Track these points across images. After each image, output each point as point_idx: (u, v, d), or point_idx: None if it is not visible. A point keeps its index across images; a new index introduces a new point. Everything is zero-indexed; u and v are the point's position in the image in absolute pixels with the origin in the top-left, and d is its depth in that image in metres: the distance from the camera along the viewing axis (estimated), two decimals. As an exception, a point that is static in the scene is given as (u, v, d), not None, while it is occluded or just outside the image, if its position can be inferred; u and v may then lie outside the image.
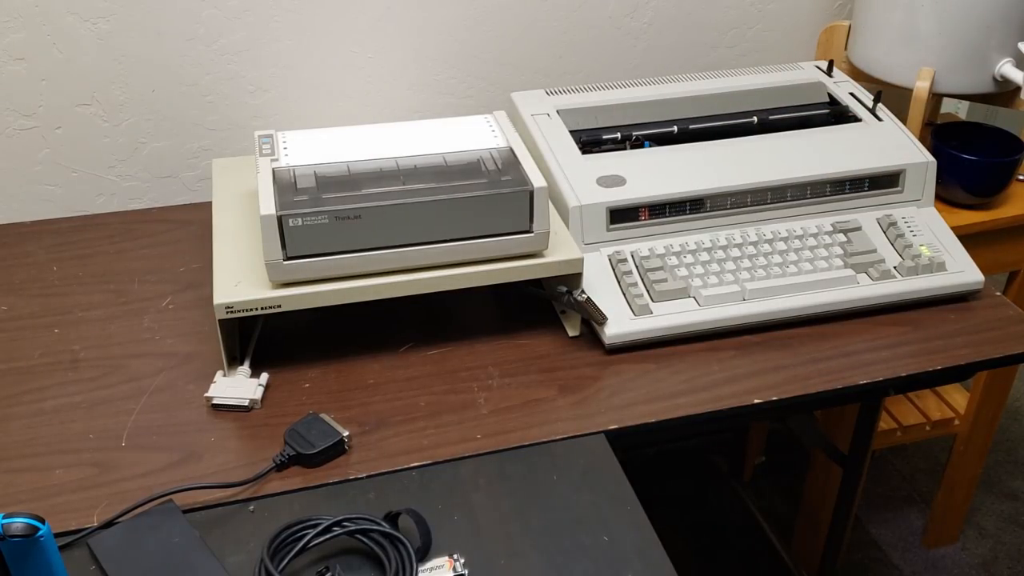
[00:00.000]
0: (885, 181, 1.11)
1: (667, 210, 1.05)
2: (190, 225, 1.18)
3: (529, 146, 1.05)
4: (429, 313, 1.04)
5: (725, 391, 0.93)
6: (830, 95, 1.22)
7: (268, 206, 0.89)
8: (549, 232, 0.96)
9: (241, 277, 0.93)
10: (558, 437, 0.88)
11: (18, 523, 0.62)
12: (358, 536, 0.76)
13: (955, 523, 1.70)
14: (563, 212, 1.04)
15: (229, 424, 0.90)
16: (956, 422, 1.55)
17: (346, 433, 0.86)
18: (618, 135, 1.16)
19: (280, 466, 0.84)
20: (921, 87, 1.24)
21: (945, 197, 1.25)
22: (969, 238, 1.20)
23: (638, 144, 1.16)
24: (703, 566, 1.63)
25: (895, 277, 1.04)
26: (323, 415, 0.88)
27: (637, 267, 1.02)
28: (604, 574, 0.76)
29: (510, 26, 1.29)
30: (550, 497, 0.83)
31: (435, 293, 0.94)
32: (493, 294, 1.06)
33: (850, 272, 1.03)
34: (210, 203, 1.07)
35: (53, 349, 0.99)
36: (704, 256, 1.03)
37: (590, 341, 1.00)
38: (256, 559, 0.74)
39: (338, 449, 0.86)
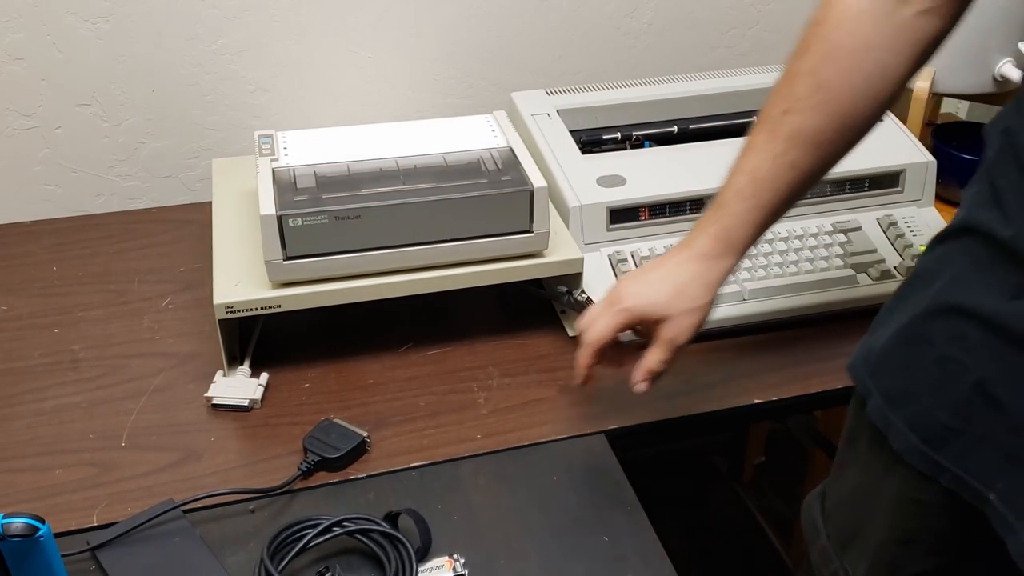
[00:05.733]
0: (885, 181, 1.11)
1: (667, 210, 1.05)
2: (190, 225, 1.18)
3: (529, 146, 1.05)
4: (429, 313, 1.04)
5: (725, 391, 0.93)
6: (830, 95, 1.22)
7: (268, 206, 0.89)
8: (549, 232, 0.96)
9: (241, 277, 0.93)
10: (558, 437, 0.88)
11: (18, 523, 0.62)
12: (358, 536, 0.76)
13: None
14: (563, 212, 1.04)
15: (229, 424, 0.90)
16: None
17: (365, 433, 0.86)
18: (618, 135, 1.16)
19: (306, 473, 0.83)
20: (921, 87, 1.24)
21: (945, 197, 1.25)
22: (969, 238, 1.20)
23: (638, 144, 1.16)
24: (703, 566, 1.63)
25: (895, 277, 1.04)
26: (336, 419, 0.88)
27: (637, 267, 1.02)
28: (604, 574, 0.76)
29: (510, 26, 1.29)
30: (550, 497, 0.83)
31: (435, 293, 0.94)
32: (493, 294, 1.06)
33: (850, 272, 1.03)
34: (210, 203, 1.07)
35: (53, 349, 0.99)
36: (704, 256, 1.03)
37: (590, 341, 1.00)
38: (256, 559, 0.74)
39: (360, 450, 0.86)
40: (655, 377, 0.81)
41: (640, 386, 0.81)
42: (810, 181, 0.78)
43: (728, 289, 1.00)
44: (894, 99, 0.76)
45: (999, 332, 0.61)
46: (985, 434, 0.63)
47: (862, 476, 0.75)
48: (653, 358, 0.80)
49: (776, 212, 0.78)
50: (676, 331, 0.79)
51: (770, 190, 0.77)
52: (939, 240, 0.70)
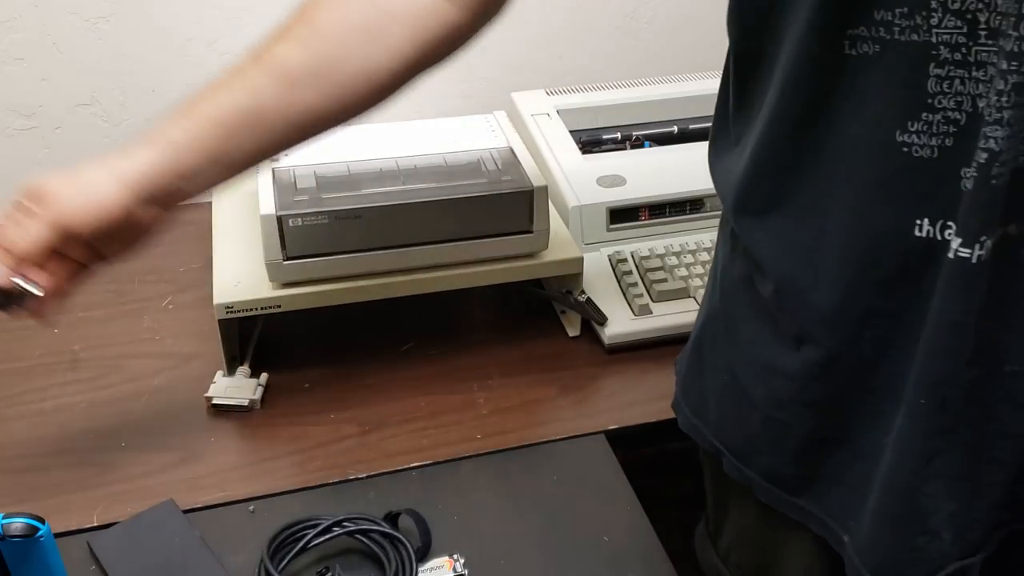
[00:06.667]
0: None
1: (667, 210, 1.05)
2: (190, 225, 1.18)
3: (529, 146, 1.05)
4: (429, 313, 1.04)
5: (725, 391, 0.93)
6: (830, 95, 1.22)
7: (268, 206, 0.89)
8: (549, 232, 0.96)
9: (241, 277, 0.93)
10: (558, 437, 0.88)
11: (18, 523, 0.62)
12: (358, 536, 0.76)
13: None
14: (563, 212, 1.04)
15: (229, 424, 0.90)
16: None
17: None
18: (618, 135, 1.16)
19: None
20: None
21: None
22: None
23: (638, 144, 1.16)
24: (703, 566, 1.62)
25: (895, 277, 1.04)
26: None
27: (637, 267, 1.02)
28: (604, 574, 0.76)
29: (510, 26, 1.29)
30: (550, 497, 0.83)
31: (435, 293, 0.94)
32: (493, 294, 1.06)
33: (850, 272, 1.03)
34: (210, 203, 1.07)
35: (53, 349, 0.99)
36: (704, 256, 1.03)
37: (590, 341, 1.00)
38: (256, 559, 0.74)
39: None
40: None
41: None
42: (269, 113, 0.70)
43: (728, 289, 1.00)
44: (389, 84, 0.74)
45: (802, 387, 0.59)
46: (833, 472, 0.61)
47: (749, 516, 0.72)
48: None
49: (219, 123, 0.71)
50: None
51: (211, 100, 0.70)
52: (733, 282, 0.65)
